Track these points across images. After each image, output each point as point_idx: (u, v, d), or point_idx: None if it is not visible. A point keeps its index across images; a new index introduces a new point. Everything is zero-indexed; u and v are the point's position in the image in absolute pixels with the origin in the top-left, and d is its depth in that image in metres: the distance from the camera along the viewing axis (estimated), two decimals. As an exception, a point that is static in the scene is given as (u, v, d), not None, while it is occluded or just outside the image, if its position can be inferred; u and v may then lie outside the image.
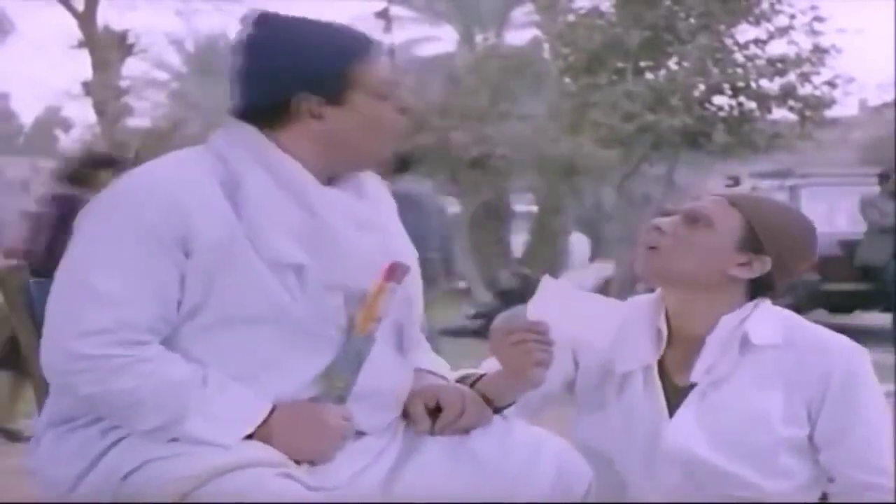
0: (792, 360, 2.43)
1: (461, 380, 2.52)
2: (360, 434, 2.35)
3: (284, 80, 2.30)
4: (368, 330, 2.31)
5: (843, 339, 2.48)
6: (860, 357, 2.46)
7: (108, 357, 2.17)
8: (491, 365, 2.61)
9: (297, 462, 2.23)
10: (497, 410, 2.46)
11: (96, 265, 2.20)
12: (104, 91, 25.20)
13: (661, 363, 2.50)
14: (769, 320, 2.47)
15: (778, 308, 2.53)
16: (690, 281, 2.45)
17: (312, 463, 2.25)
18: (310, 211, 2.28)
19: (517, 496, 2.36)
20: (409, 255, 2.46)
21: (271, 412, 2.23)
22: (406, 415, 2.44)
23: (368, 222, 2.37)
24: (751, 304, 2.48)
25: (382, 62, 2.37)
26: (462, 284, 20.14)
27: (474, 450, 2.39)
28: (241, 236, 2.23)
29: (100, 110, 25.62)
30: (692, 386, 2.45)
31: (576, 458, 2.43)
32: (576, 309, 2.37)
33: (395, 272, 2.35)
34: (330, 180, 2.37)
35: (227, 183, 2.26)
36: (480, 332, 12.65)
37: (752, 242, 2.45)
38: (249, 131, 2.33)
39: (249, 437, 2.21)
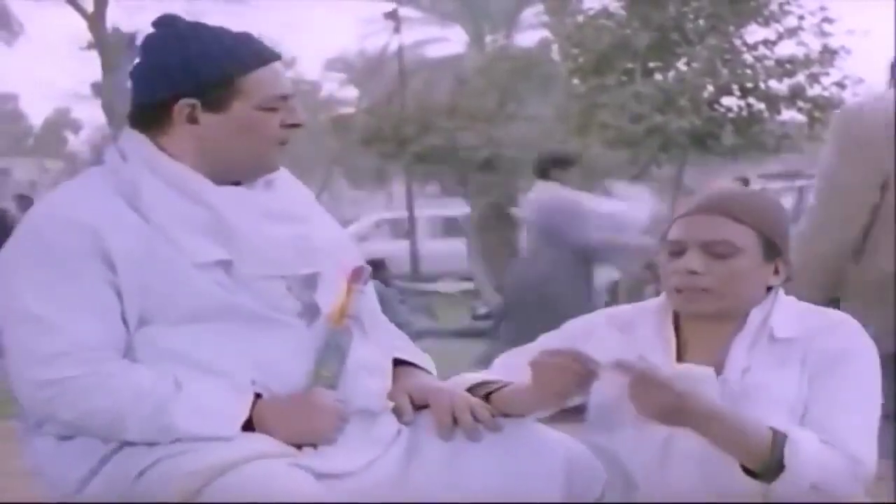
0: (805, 344, 2.45)
1: (477, 386, 2.52)
2: (366, 419, 2.36)
3: (165, 81, 2.32)
4: (344, 325, 2.36)
5: (856, 324, 2.49)
6: (865, 340, 2.47)
7: (74, 378, 2.20)
8: (500, 365, 2.63)
9: (300, 447, 2.25)
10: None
11: (29, 295, 2.24)
12: (114, 92, 25.25)
13: (680, 355, 2.50)
14: (790, 313, 2.49)
15: (792, 298, 2.54)
16: (741, 307, 2.47)
17: (314, 446, 2.28)
18: (209, 209, 2.31)
19: (529, 497, 2.37)
20: (339, 244, 2.50)
21: (258, 397, 2.26)
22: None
23: (281, 213, 2.40)
24: (770, 298, 2.50)
25: (277, 75, 2.37)
26: (470, 285, 20.16)
27: (486, 449, 2.39)
28: (159, 242, 2.27)
29: (109, 112, 25.70)
30: None
31: (589, 459, 2.44)
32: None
33: (359, 275, 2.41)
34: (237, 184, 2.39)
35: (128, 194, 2.31)
36: (488, 333, 12.65)
37: (772, 249, 2.47)
38: (138, 139, 2.36)
39: (252, 430, 2.24)
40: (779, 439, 2.31)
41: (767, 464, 2.31)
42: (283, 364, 2.30)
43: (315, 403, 2.27)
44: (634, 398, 2.30)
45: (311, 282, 2.37)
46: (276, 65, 2.38)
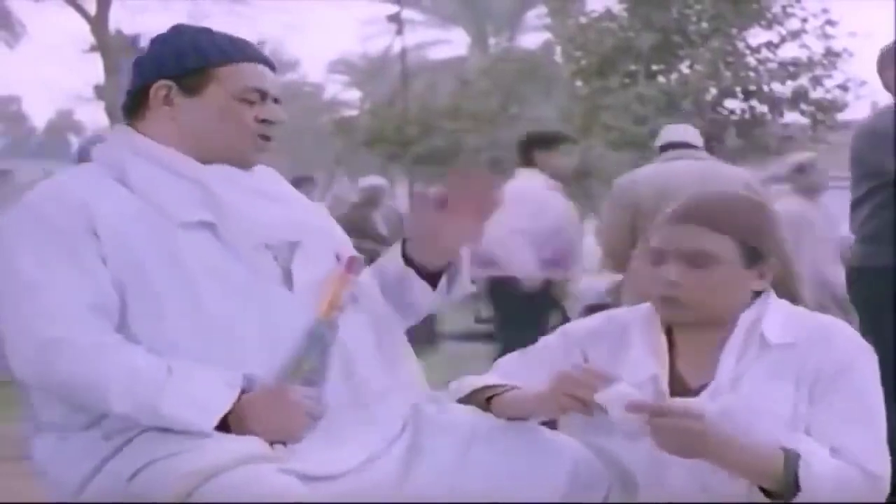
0: (801, 353, 2.43)
1: (481, 390, 2.52)
2: (361, 416, 2.36)
3: (146, 66, 2.43)
4: (331, 317, 2.36)
5: (849, 330, 2.48)
6: (862, 349, 2.45)
7: (68, 340, 2.24)
8: (502, 367, 2.63)
9: (271, 444, 2.25)
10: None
11: (31, 264, 2.29)
12: (117, 94, 25.29)
13: (672, 366, 2.49)
14: (782, 318, 2.48)
15: (784, 302, 2.53)
16: (724, 315, 2.47)
17: (284, 444, 2.27)
18: (197, 183, 2.37)
19: (533, 499, 2.36)
20: (326, 223, 2.53)
21: (242, 392, 2.26)
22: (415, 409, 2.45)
23: (265, 192, 2.45)
24: (759, 301, 2.49)
25: (260, 73, 2.44)
26: (472, 288, 20.15)
27: (491, 451, 2.39)
28: (147, 210, 2.32)
29: (112, 114, 25.72)
30: (703, 387, 2.44)
31: (593, 463, 2.43)
32: None
33: (353, 265, 2.43)
34: None
35: (116, 173, 2.38)
36: (489, 336, 12.64)
37: (754, 255, 2.46)
38: (122, 130, 2.47)
39: (227, 426, 2.24)
40: (791, 459, 2.31)
41: (783, 484, 2.31)
42: (269, 333, 2.31)
43: (288, 401, 2.27)
44: (656, 436, 2.30)
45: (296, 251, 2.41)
46: (262, 66, 2.45)
